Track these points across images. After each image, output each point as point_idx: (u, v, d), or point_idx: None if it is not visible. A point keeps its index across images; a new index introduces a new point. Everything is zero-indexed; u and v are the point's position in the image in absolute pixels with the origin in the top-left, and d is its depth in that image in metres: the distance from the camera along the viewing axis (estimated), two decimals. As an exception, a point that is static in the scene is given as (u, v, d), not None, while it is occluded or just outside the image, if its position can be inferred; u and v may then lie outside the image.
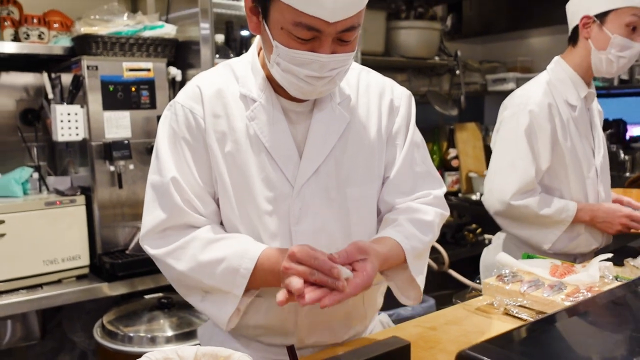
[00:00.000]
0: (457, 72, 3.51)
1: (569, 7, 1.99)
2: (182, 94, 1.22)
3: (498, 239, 2.16)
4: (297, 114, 1.20)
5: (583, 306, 0.83)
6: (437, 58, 3.39)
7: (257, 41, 1.23)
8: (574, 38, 1.97)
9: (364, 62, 2.74)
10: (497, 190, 1.93)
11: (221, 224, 1.22)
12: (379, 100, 1.27)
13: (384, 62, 3.19)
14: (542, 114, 1.88)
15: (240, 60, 1.25)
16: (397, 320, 2.02)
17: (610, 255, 1.55)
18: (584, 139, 1.97)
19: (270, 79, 1.17)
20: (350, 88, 1.25)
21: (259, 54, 1.21)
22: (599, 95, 2.20)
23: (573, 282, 1.44)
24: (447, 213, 1.33)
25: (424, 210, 1.24)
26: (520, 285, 1.44)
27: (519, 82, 3.46)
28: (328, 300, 0.96)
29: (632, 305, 0.82)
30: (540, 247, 1.94)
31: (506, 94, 3.65)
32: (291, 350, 0.87)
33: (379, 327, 1.42)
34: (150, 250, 1.17)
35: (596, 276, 1.44)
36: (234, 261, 1.10)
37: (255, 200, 1.17)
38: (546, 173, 1.95)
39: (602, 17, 1.87)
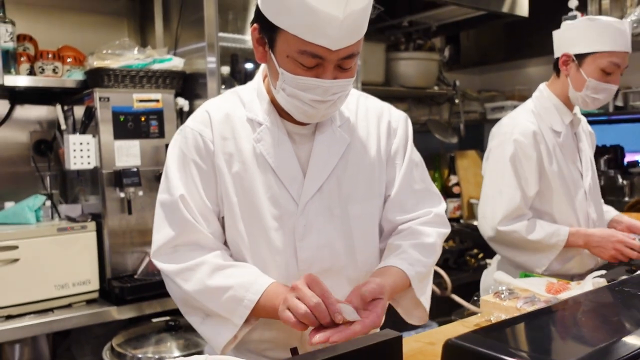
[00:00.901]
0: (457, 101, 3.61)
1: (555, 37, 2.07)
2: (192, 118, 1.30)
3: (496, 260, 2.21)
4: (301, 136, 1.27)
5: (571, 301, 0.88)
6: (436, 88, 3.49)
7: (262, 69, 1.31)
8: (557, 68, 2.04)
9: (365, 92, 2.84)
10: (488, 217, 2.00)
11: (225, 243, 1.28)
12: (377, 123, 1.35)
13: (384, 91, 3.29)
14: (527, 142, 1.95)
15: (246, 87, 1.33)
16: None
17: (604, 272, 1.60)
18: (570, 163, 2.03)
19: (274, 104, 1.26)
20: (350, 112, 1.33)
21: (264, 80, 1.30)
22: (596, 122, 2.25)
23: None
24: (448, 230, 1.40)
25: (426, 233, 1.31)
26: (517, 301, 1.48)
27: (517, 110, 3.55)
28: (337, 337, 1.01)
29: (618, 300, 0.88)
30: (534, 271, 1.98)
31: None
32: (294, 352, 0.92)
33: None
34: (162, 265, 1.23)
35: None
36: (239, 291, 1.16)
37: (262, 218, 1.24)
38: (536, 197, 2.00)
39: (580, 58, 1.93)
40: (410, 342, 1.40)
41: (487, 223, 2.01)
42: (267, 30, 1.14)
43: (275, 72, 1.15)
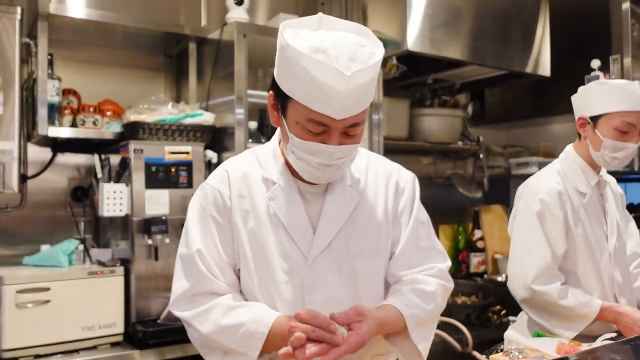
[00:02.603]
0: (481, 156, 3.65)
1: (573, 101, 2.14)
2: (212, 176, 1.40)
3: (522, 317, 2.21)
4: (312, 194, 1.35)
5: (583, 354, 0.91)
6: (460, 143, 3.55)
7: (278, 131, 1.42)
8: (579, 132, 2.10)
9: (388, 146, 2.94)
10: (518, 276, 2.01)
11: (241, 292, 1.36)
12: (386, 183, 1.42)
13: (407, 146, 3.37)
14: (552, 201, 1.99)
15: (263, 147, 1.43)
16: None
17: (614, 334, 1.60)
18: (595, 224, 2.05)
19: (288, 164, 1.35)
20: (360, 172, 1.41)
21: (279, 142, 1.39)
22: (625, 180, 2.26)
23: None
24: (451, 286, 1.44)
25: (427, 282, 1.36)
26: (525, 360, 1.50)
27: (542, 167, 3.55)
28: (328, 357, 1.09)
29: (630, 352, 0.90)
30: (561, 337, 1.92)
31: (529, 177, 3.76)
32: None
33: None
34: (179, 313, 1.32)
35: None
36: (251, 327, 1.24)
37: (273, 271, 1.31)
38: (566, 259, 2.01)
39: (594, 120, 2.00)
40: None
41: (518, 282, 2.01)
42: (280, 98, 1.24)
43: (287, 135, 1.25)
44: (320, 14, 1.27)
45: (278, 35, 1.22)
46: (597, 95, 2.00)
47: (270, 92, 1.29)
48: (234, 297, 1.31)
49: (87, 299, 2.14)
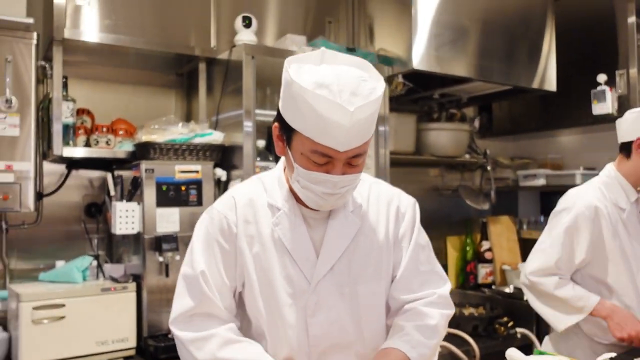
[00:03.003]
0: (488, 168, 3.68)
1: (620, 125, 2.22)
2: (219, 202, 1.45)
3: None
4: (315, 220, 1.40)
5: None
6: (467, 156, 3.59)
7: (283, 159, 1.47)
8: (627, 150, 2.17)
9: (395, 161, 2.98)
10: (525, 265, 2.22)
11: (245, 314, 1.40)
12: (387, 208, 1.47)
13: (414, 160, 3.41)
14: (587, 214, 2.10)
15: (269, 174, 1.49)
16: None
17: (613, 354, 1.63)
18: (633, 239, 2.15)
19: (292, 191, 1.40)
20: (362, 198, 1.46)
21: (284, 169, 1.45)
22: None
23: (575, 379, 1.53)
24: (452, 311, 1.48)
25: (430, 315, 1.39)
26: (525, 380, 1.54)
27: (549, 179, 3.60)
28: None
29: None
30: (555, 328, 2.15)
31: (537, 189, 3.79)
32: None
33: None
34: (177, 332, 1.35)
35: (596, 374, 1.53)
36: None
37: (277, 295, 1.36)
38: (592, 267, 2.13)
39: None
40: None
41: (523, 271, 2.22)
42: (285, 130, 1.30)
43: (292, 165, 1.31)
44: (322, 48, 1.32)
45: (283, 70, 1.27)
46: None
47: (276, 124, 1.34)
48: (233, 329, 1.36)
49: (100, 315, 2.21)
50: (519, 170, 3.84)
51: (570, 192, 2.24)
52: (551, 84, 3.22)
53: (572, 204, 2.14)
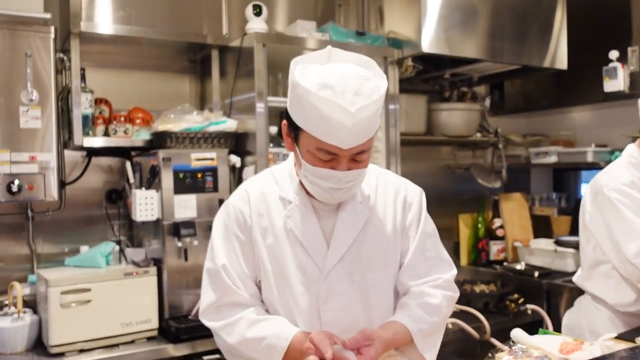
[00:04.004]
0: (500, 145, 3.70)
1: None
2: (234, 196, 1.52)
3: (580, 302, 2.38)
4: (325, 211, 1.47)
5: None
6: (478, 135, 3.61)
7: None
8: None
9: (406, 142, 3.02)
10: (616, 259, 2.11)
11: (262, 301, 1.49)
12: (394, 198, 1.53)
13: (425, 140, 3.45)
14: (631, 190, 2.12)
15: (280, 167, 1.55)
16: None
17: (613, 335, 1.69)
18: None
19: (302, 184, 1.47)
20: (370, 189, 1.52)
21: (295, 163, 1.51)
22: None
23: None
24: (457, 295, 1.55)
25: (432, 294, 1.47)
26: (528, 360, 1.61)
27: (561, 156, 3.61)
28: None
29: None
30: None
31: (549, 166, 3.80)
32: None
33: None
34: (208, 323, 1.47)
35: (597, 354, 1.59)
36: (273, 340, 1.37)
37: (291, 283, 1.44)
38: None
39: None
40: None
41: (627, 265, 2.09)
42: (293, 128, 1.36)
43: (300, 161, 1.37)
44: (329, 47, 1.37)
45: (289, 71, 1.33)
46: None
47: (284, 121, 1.40)
48: (257, 310, 1.45)
49: (124, 298, 2.32)
50: (531, 148, 3.85)
51: (600, 177, 2.23)
52: (562, 62, 3.21)
53: (610, 185, 2.14)
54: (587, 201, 2.28)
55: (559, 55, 3.19)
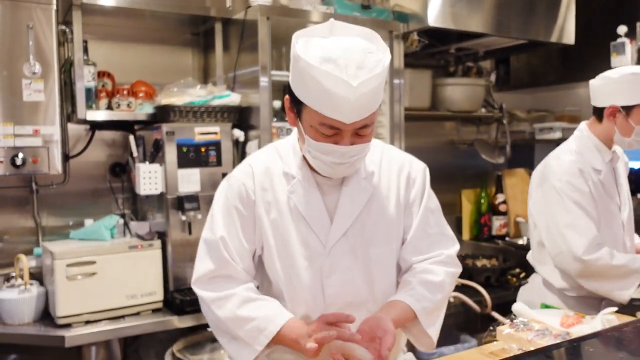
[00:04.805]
0: (504, 121, 3.69)
1: (593, 87, 2.18)
2: (237, 170, 1.52)
3: (533, 280, 2.39)
4: (329, 186, 1.47)
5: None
6: (483, 110, 3.59)
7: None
8: (599, 115, 2.15)
9: (410, 117, 3.01)
10: (566, 251, 2.09)
11: (265, 275, 1.49)
12: (398, 174, 1.53)
13: (429, 116, 3.43)
14: (578, 179, 2.10)
15: (283, 142, 1.55)
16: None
17: (615, 308, 1.71)
18: (609, 198, 2.15)
19: (306, 159, 1.46)
20: (374, 164, 1.52)
21: (298, 139, 1.51)
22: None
23: (577, 333, 1.61)
24: (459, 270, 1.55)
25: (435, 272, 1.47)
26: (529, 333, 1.63)
27: (565, 132, 3.59)
28: None
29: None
30: (621, 300, 2.05)
31: (553, 142, 3.80)
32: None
33: (403, 364, 1.65)
34: (200, 292, 1.46)
35: (598, 328, 1.61)
36: (262, 323, 1.38)
37: (294, 258, 1.45)
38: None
39: (627, 109, 2.06)
40: (427, 367, 1.58)
41: (567, 258, 2.09)
42: (295, 103, 1.35)
43: (303, 136, 1.37)
44: (331, 20, 1.36)
45: (291, 45, 1.31)
46: (631, 86, 2.07)
47: (287, 96, 1.39)
48: (252, 289, 1.45)
49: (129, 270, 2.34)
50: (536, 124, 3.83)
51: (549, 162, 2.20)
52: (570, 37, 3.18)
53: (559, 174, 2.11)
54: (533, 185, 2.26)
55: (566, 30, 3.15)
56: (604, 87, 2.14)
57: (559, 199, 2.10)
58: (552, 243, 2.15)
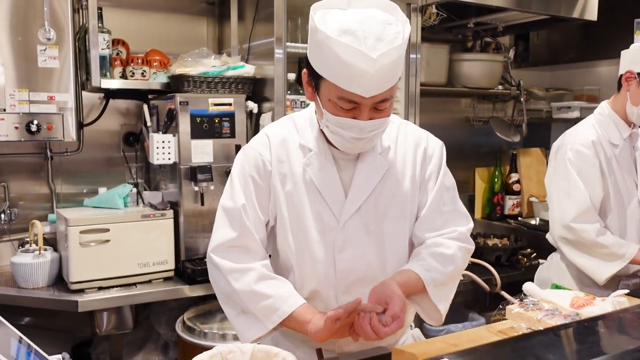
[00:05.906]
0: (522, 99, 3.63)
1: (623, 55, 2.17)
2: (254, 140, 1.51)
3: (552, 258, 2.39)
4: (345, 160, 1.46)
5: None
6: (500, 87, 3.53)
7: (314, 101, 1.51)
8: (618, 84, 2.14)
9: (426, 93, 2.97)
10: (558, 218, 2.17)
11: (276, 249, 1.50)
12: (414, 150, 1.51)
13: (445, 92, 3.39)
14: (588, 151, 2.12)
15: (301, 114, 1.53)
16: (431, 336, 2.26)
17: (626, 291, 1.70)
18: (626, 174, 2.17)
19: (323, 132, 1.45)
20: (390, 140, 1.50)
21: (316, 112, 1.49)
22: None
23: (587, 314, 1.61)
24: (472, 247, 1.54)
25: (446, 245, 1.46)
26: (538, 313, 1.62)
27: (583, 111, 3.53)
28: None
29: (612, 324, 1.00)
30: (596, 279, 2.11)
31: (570, 122, 3.76)
32: (319, 352, 1.13)
33: (410, 340, 1.65)
34: (217, 260, 1.43)
35: (608, 310, 1.60)
36: (277, 302, 1.37)
37: (307, 231, 1.45)
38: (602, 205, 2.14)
39: None
40: (435, 342, 1.58)
41: (557, 223, 2.17)
42: (313, 76, 1.33)
43: (321, 111, 1.35)
44: None
45: (309, 18, 1.29)
46: None
47: (305, 70, 1.37)
48: (266, 265, 1.44)
49: (141, 239, 2.36)
50: (553, 102, 3.77)
51: (567, 133, 2.25)
52: (592, 13, 3.09)
53: (571, 144, 2.16)
54: (550, 159, 2.29)
55: (589, 5, 3.07)
56: (627, 54, 2.17)
57: (565, 167, 2.15)
58: (550, 212, 2.23)
